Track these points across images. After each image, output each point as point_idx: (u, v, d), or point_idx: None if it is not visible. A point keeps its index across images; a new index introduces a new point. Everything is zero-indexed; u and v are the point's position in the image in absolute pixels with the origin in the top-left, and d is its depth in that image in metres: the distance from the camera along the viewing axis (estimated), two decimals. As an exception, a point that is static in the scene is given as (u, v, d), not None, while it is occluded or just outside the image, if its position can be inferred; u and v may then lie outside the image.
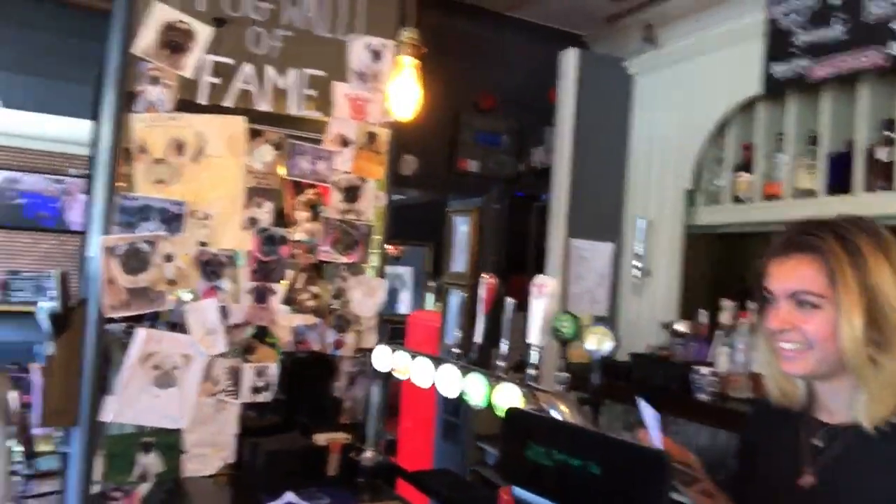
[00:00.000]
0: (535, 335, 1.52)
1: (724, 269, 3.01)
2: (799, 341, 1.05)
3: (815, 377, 1.11)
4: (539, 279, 1.64)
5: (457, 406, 3.70)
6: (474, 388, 1.47)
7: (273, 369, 1.97)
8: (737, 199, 2.74)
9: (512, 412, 0.98)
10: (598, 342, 1.43)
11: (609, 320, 3.04)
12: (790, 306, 1.07)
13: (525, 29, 3.51)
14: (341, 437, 1.91)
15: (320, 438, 1.88)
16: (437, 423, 3.85)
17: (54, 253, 8.33)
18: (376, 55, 2.12)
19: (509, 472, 0.94)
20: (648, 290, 3.05)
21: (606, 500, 0.78)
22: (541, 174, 3.45)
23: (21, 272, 8.18)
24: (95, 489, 1.75)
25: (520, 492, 0.94)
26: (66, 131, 6.28)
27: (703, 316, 2.70)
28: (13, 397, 4.49)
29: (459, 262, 3.89)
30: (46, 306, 2.12)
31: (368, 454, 1.95)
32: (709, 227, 2.92)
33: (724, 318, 2.59)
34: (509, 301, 1.66)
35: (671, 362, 2.64)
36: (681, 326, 2.73)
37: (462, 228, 3.83)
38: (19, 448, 4.50)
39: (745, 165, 2.72)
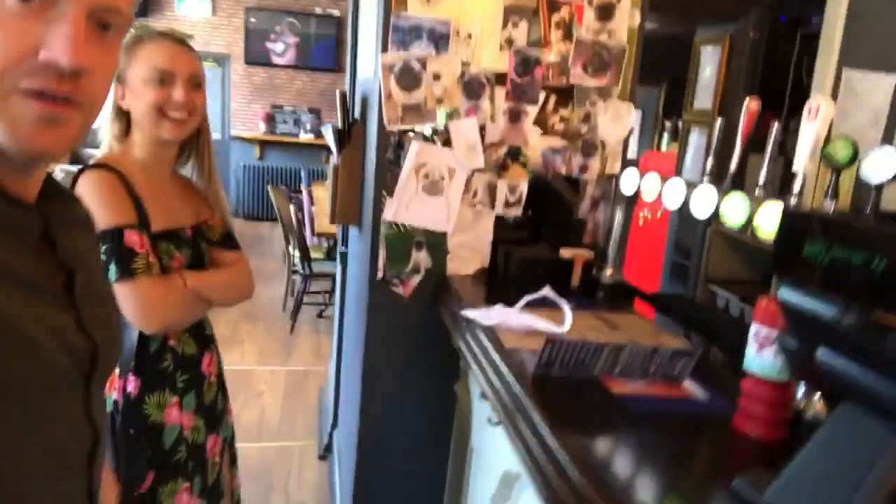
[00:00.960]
0: (802, 161, 1.47)
1: None
2: None
3: None
4: (813, 100, 1.54)
5: (688, 248, 3.68)
6: (734, 209, 1.49)
7: (524, 187, 2.13)
8: None
9: (790, 211, 1.00)
10: (878, 166, 1.35)
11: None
12: None
13: None
14: (585, 252, 2.04)
15: (566, 253, 2.03)
16: (665, 265, 3.86)
17: (308, 90, 9.23)
18: None
19: (783, 269, 0.98)
20: (933, 130, 2.66)
21: (887, 296, 0.80)
22: (812, -6, 3.03)
23: (283, 107, 9.25)
24: (379, 275, 2.09)
25: (789, 295, 0.98)
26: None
27: None
28: (292, 211, 5.30)
29: (704, 97, 3.68)
30: (331, 125, 2.43)
31: (608, 272, 2.08)
32: None
33: None
34: (776, 125, 1.59)
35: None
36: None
37: (711, 59, 3.57)
38: (297, 253, 5.36)
39: None
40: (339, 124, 2.36)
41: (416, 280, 2.10)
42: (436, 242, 2.08)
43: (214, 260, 1.59)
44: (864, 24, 2.70)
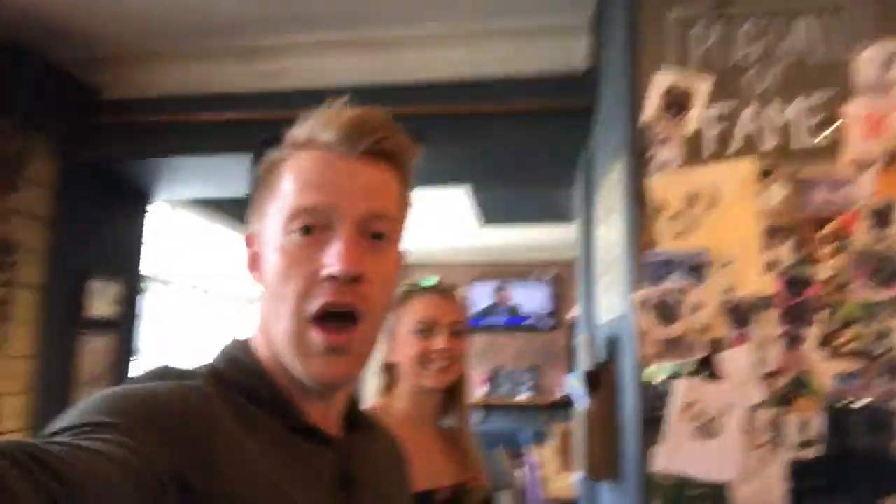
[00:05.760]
0: None
1: None
2: None
3: None
4: None
5: None
6: None
7: (816, 421, 1.79)
8: None
9: None
10: None
11: None
12: None
13: None
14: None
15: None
16: None
17: (526, 350, 9.40)
18: (887, 63, 1.91)
19: None
20: None
21: None
22: None
23: (503, 368, 9.43)
24: (654, 538, 1.78)
25: None
26: (542, 238, 7.04)
27: None
28: (520, 474, 5.07)
29: None
30: (578, 371, 2.34)
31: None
32: None
33: None
34: None
35: None
36: None
37: None
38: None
39: None
40: (591, 366, 2.25)
41: (701, 543, 1.75)
42: (716, 495, 1.76)
43: None
44: None
